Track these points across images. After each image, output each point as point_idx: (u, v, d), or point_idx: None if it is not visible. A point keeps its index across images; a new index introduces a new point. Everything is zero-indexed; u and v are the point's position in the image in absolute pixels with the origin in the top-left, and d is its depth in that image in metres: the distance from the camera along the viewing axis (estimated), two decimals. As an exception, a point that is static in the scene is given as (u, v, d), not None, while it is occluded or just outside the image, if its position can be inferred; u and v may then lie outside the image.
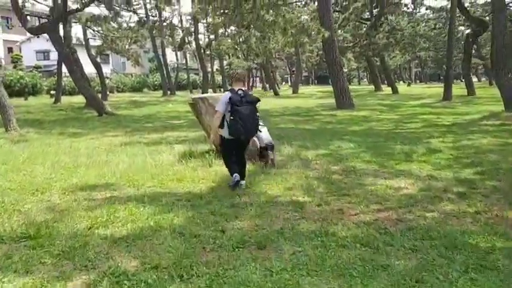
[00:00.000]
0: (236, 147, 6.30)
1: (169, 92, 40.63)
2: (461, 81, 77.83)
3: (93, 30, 28.89)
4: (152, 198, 5.59)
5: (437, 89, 45.82)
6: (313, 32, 15.82)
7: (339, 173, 7.08)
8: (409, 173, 6.89)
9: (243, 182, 6.20)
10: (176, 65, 54.90)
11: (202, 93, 31.10)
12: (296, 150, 8.91)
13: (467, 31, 34.35)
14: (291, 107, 23.33)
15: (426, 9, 42.74)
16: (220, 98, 6.19)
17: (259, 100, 6.27)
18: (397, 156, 8.33)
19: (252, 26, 18.12)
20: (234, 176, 6.10)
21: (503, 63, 14.76)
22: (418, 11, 44.75)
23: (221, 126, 6.10)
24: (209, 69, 45.29)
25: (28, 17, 21.85)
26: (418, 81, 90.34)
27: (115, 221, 4.77)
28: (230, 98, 5.92)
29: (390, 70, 46.51)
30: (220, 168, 7.23)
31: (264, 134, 7.58)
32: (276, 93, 39.53)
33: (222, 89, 50.45)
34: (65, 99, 30.03)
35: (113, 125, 16.17)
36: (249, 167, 6.87)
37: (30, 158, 8.45)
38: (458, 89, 33.03)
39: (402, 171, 7.03)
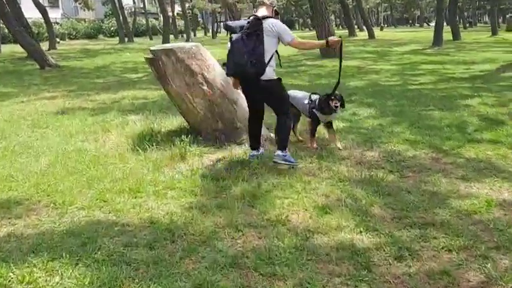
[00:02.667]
0: (246, 95, 4.79)
1: (126, 39, 36.69)
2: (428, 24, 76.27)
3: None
4: (76, 255, 2.96)
5: (413, 33, 43.59)
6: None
7: (384, 166, 4.61)
8: (496, 167, 4.48)
9: (254, 153, 4.80)
10: (133, 9, 50.39)
11: (163, 40, 27.58)
12: (300, 125, 6.34)
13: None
14: (266, 56, 20.46)
15: None
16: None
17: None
18: (447, 131, 5.90)
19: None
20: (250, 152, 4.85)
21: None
22: None
23: None
24: (170, 13, 41.22)
25: None
26: (386, 25, 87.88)
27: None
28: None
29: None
30: (200, 161, 4.64)
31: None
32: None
33: (183, 35, 46.66)
34: (7, 48, 26.08)
35: (54, 81, 13.08)
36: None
37: None
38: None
39: (481, 163, 4.61)
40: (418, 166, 4.59)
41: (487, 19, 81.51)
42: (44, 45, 26.82)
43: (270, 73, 4.42)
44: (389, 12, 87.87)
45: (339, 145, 5.23)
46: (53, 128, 6.68)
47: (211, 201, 3.75)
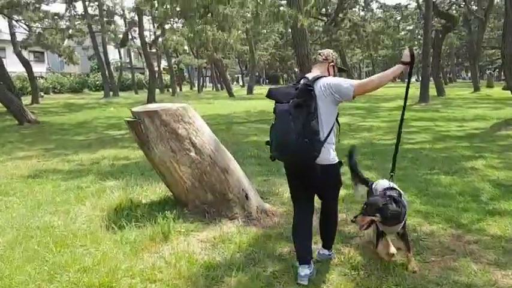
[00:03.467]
0: (295, 184, 3.58)
1: (111, 93, 36.43)
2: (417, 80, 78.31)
3: (15, 21, 24.27)
4: None
5: (396, 88, 44.22)
6: (289, 20, 12.62)
7: (400, 246, 3.96)
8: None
9: (307, 272, 3.32)
10: (119, 64, 50.54)
11: (149, 94, 27.22)
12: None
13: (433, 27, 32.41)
14: (253, 111, 20.08)
15: (378, 8, 40.62)
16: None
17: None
18: (461, 200, 5.32)
19: (209, 14, 14.69)
20: (299, 268, 3.35)
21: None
22: (375, 8, 42.67)
23: None
24: (156, 68, 41.28)
25: None
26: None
27: None
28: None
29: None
30: (186, 242, 3.97)
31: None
32: (231, 94, 36.14)
33: (169, 89, 46.57)
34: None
35: (31, 139, 12.40)
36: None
37: None
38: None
39: (510, 242, 4.00)
40: (439, 247, 3.96)
41: (464, 75, 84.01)
42: (27, 99, 26.36)
43: (327, 154, 3.30)
44: (371, 68, 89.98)
45: (414, 266, 3.49)
46: (20, 195, 5.95)
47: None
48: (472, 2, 37.43)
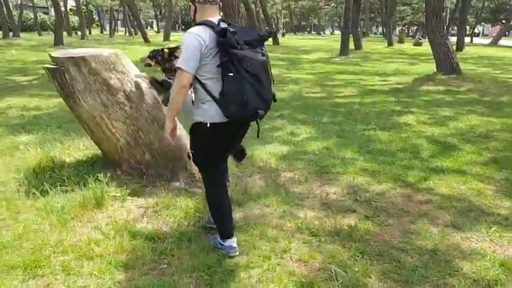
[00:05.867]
0: (226, 148, 2.98)
1: (11, 34, 32.94)
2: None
3: None
4: None
5: (313, 41, 44.75)
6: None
7: (355, 208, 3.78)
8: (481, 209, 3.85)
9: (234, 243, 2.99)
10: (20, 1, 45.75)
11: (56, 37, 24.81)
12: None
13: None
14: (173, 59, 19.11)
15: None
16: (184, 43, 2.67)
17: (270, 34, 2.86)
18: (402, 157, 5.28)
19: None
20: (225, 242, 2.96)
21: (440, 22, 12.51)
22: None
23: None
24: (63, 8, 37.82)
25: None
26: (284, 31, 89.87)
27: None
28: (220, 34, 2.60)
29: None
30: (123, 209, 3.49)
31: None
32: (146, 40, 34.22)
33: (77, 32, 43.21)
34: None
35: None
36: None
37: None
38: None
39: (460, 202, 3.97)
40: (393, 208, 3.84)
41: (375, 30, 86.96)
42: None
43: None
44: (288, 19, 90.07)
45: None
46: None
47: (150, 280, 2.63)
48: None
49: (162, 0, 58.34)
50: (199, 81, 2.72)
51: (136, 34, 43.66)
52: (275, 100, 2.85)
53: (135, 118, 3.94)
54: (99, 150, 4.38)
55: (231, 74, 2.58)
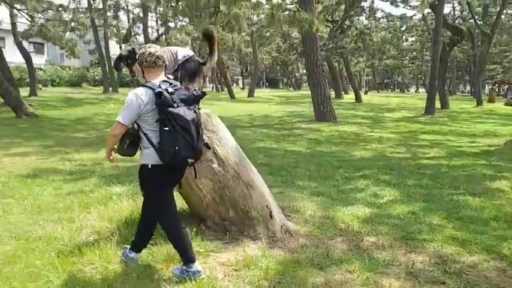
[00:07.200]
0: (169, 184, 3.56)
1: (110, 89, 35.85)
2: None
3: (17, 10, 23.70)
4: None
5: (397, 98, 43.96)
6: (305, 24, 12.20)
7: (444, 280, 3.56)
8: None
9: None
10: (120, 59, 49.90)
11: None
12: (318, 209, 5.33)
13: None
14: (257, 115, 19.69)
15: (382, 17, 40.14)
16: (126, 100, 3.29)
17: (204, 94, 3.48)
18: (496, 226, 4.92)
19: (219, 13, 14.21)
20: (191, 268, 3.40)
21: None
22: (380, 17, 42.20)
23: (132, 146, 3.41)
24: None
25: None
26: (368, 89, 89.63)
27: None
28: (157, 96, 3.20)
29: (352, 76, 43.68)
30: (205, 264, 3.55)
31: None
32: (232, 96, 35.70)
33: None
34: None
35: (29, 133, 11.96)
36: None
37: None
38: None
39: None
40: (486, 282, 3.57)
41: (462, 88, 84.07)
42: (25, 91, 25.78)
43: None
44: (371, 77, 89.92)
45: None
46: (19, 198, 5.52)
47: None
48: (476, 17, 37.21)
49: (249, 58, 60.94)
50: (143, 131, 3.29)
51: (222, 90, 45.68)
52: (209, 147, 3.63)
53: (222, 175, 4.08)
54: (185, 205, 4.55)
55: (167, 128, 3.15)
